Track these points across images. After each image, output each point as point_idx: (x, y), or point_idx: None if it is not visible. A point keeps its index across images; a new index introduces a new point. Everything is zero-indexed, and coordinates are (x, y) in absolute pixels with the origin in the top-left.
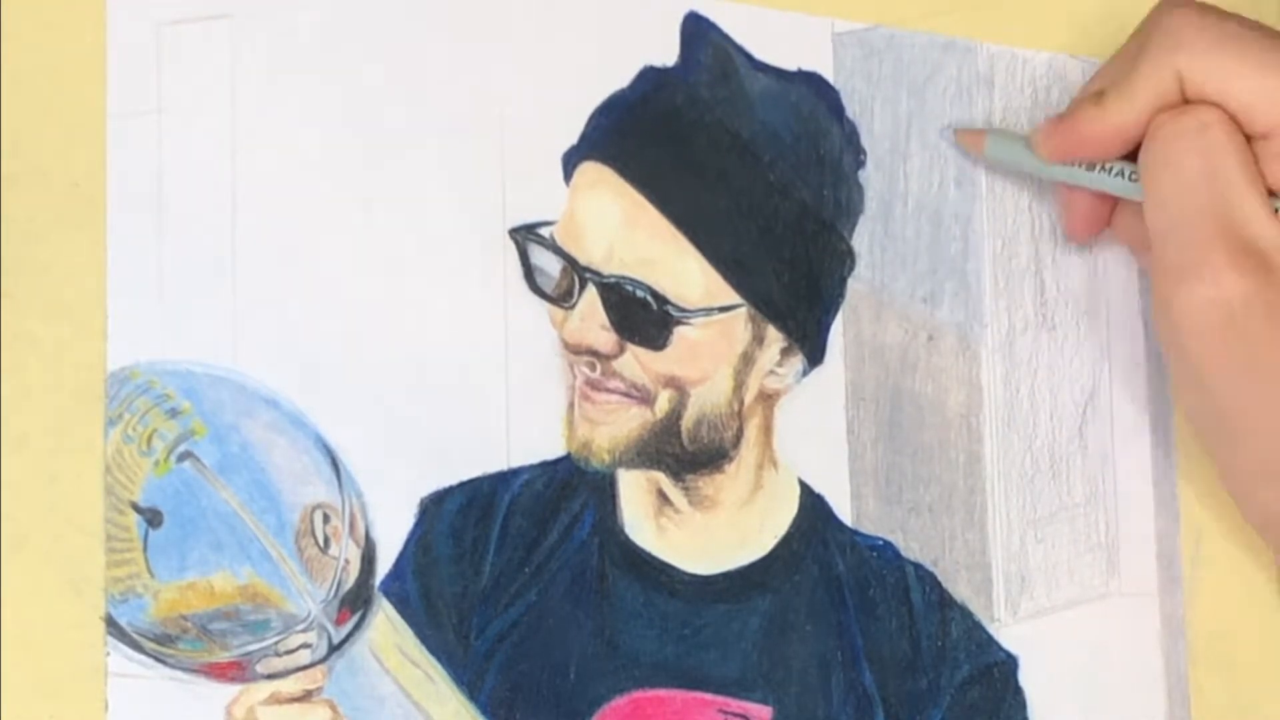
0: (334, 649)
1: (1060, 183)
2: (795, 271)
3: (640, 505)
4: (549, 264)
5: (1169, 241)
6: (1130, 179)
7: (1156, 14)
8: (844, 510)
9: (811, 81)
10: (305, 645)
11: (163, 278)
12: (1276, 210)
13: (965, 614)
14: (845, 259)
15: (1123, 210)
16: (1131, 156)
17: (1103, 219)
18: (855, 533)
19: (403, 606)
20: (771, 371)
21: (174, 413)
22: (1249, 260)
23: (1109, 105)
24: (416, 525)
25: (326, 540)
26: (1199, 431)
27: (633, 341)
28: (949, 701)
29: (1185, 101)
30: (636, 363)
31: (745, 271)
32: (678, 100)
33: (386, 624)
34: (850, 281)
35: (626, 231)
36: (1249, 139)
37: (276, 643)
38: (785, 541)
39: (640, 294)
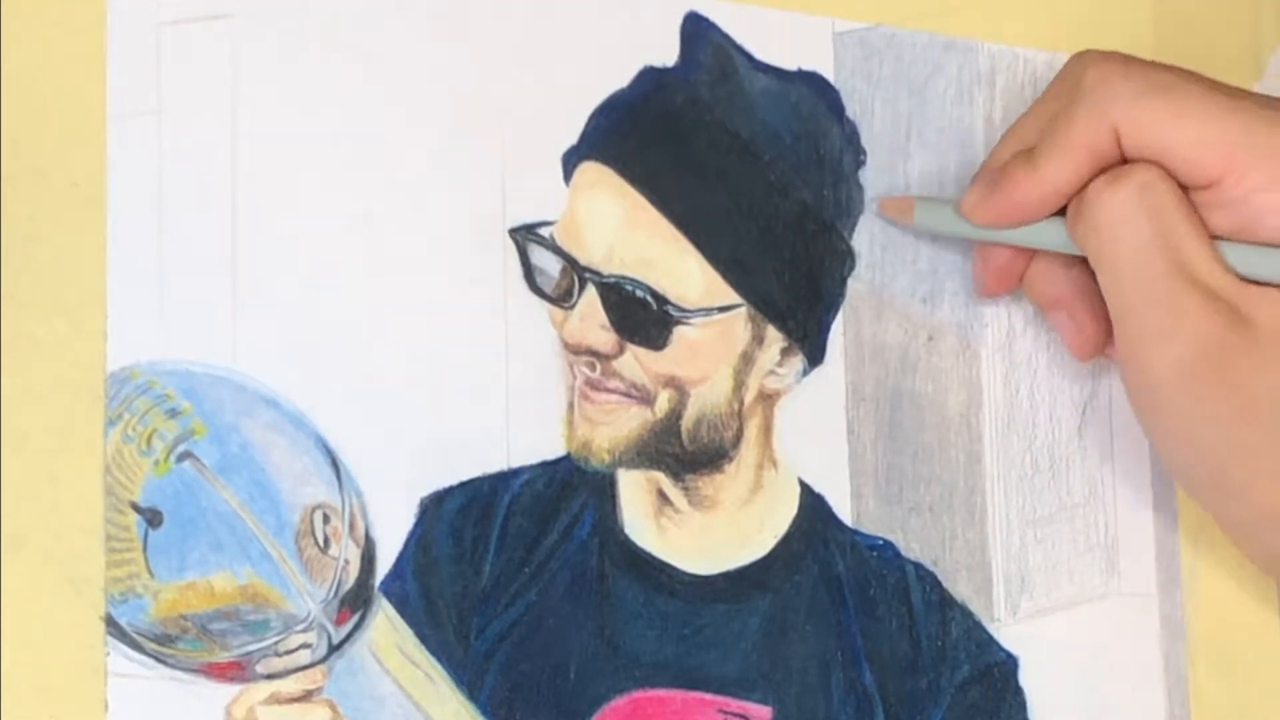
0: (334, 649)
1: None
2: (795, 271)
3: (640, 505)
4: (549, 264)
5: (1134, 309)
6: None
7: (1078, 67)
8: (844, 510)
9: (812, 81)
10: (305, 645)
11: (163, 278)
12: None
13: (965, 614)
14: (845, 259)
15: (1036, 265)
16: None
17: (1017, 275)
18: (855, 532)
19: (403, 606)
20: (771, 371)
21: (174, 413)
22: (1218, 308)
23: (1043, 167)
24: (416, 525)
25: (326, 540)
26: (1195, 491)
27: (633, 341)
28: (949, 701)
29: (1121, 155)
30: (636, 363)
31: (745, 271)
32: (678, 100)
33: (386, 624)
34: (850, 281)
35: (626, 231)
36: (1188, 190)
37: (276, 643)
38: (785, 541)
39: (640, 294)
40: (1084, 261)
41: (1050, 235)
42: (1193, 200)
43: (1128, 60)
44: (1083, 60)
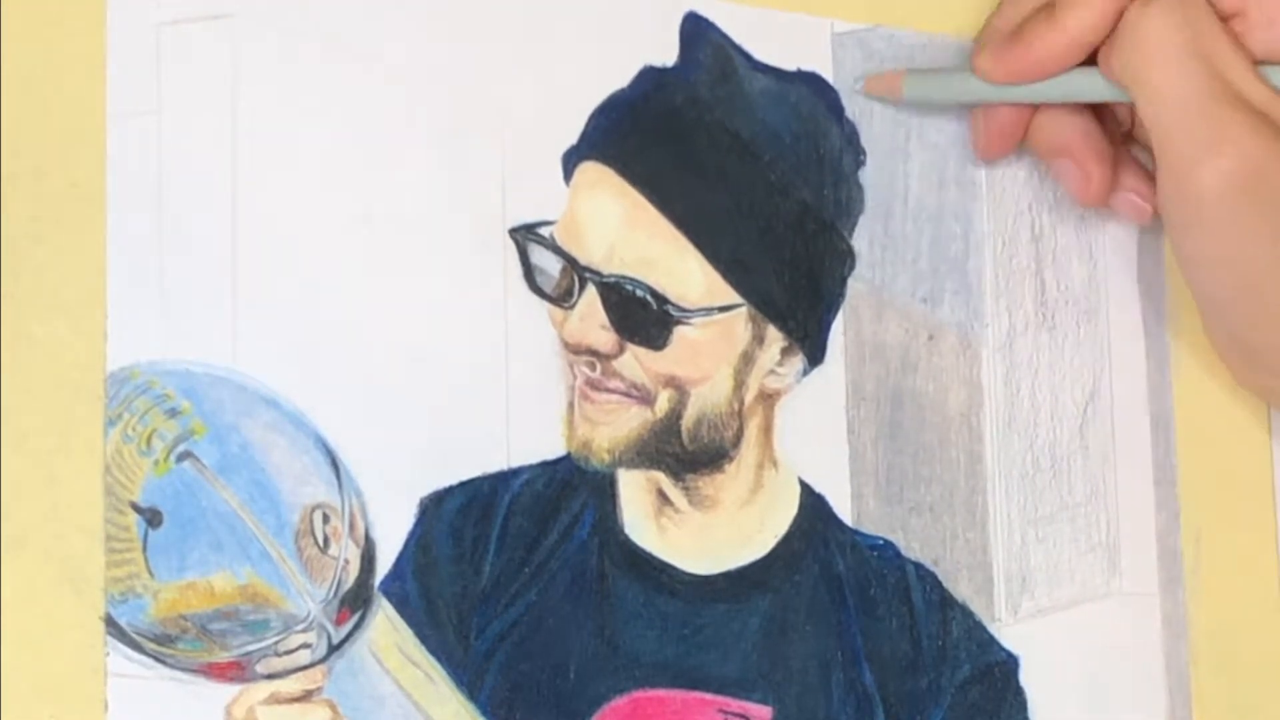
0: (334, 649)
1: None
2: (795, 271)
3: (640, 505)
4: (549, 264)
5: (1176, 126)
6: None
7: None
8: (844, 510)
9: (811, 82)
10: (305, 645)
11: (163, 278)
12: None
13: (966, 613)
14: (846, 259)
15: (1040, 117)
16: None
17: (1018, 133)
18: (856, 532)
19: (403, 606)
20: (772, 371)
21: (174, 413)
22: (1263, 126)
23: (1066, 17)
24: (416, 525)
25: (326, 540)
26: (1222, 312)
27: (633, 341)
28: (950, 701)
29: None
30: (636, 362)
31: (745, 271)
32: (677, 100)
33: (386, 624)
34: (851, 281)
35: (626, 231)
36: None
37: (276, 643)
38: (785, 541)
39: (640, 294)
40: (1088, 108)
41: (1067, 86)
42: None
43: None
44: None
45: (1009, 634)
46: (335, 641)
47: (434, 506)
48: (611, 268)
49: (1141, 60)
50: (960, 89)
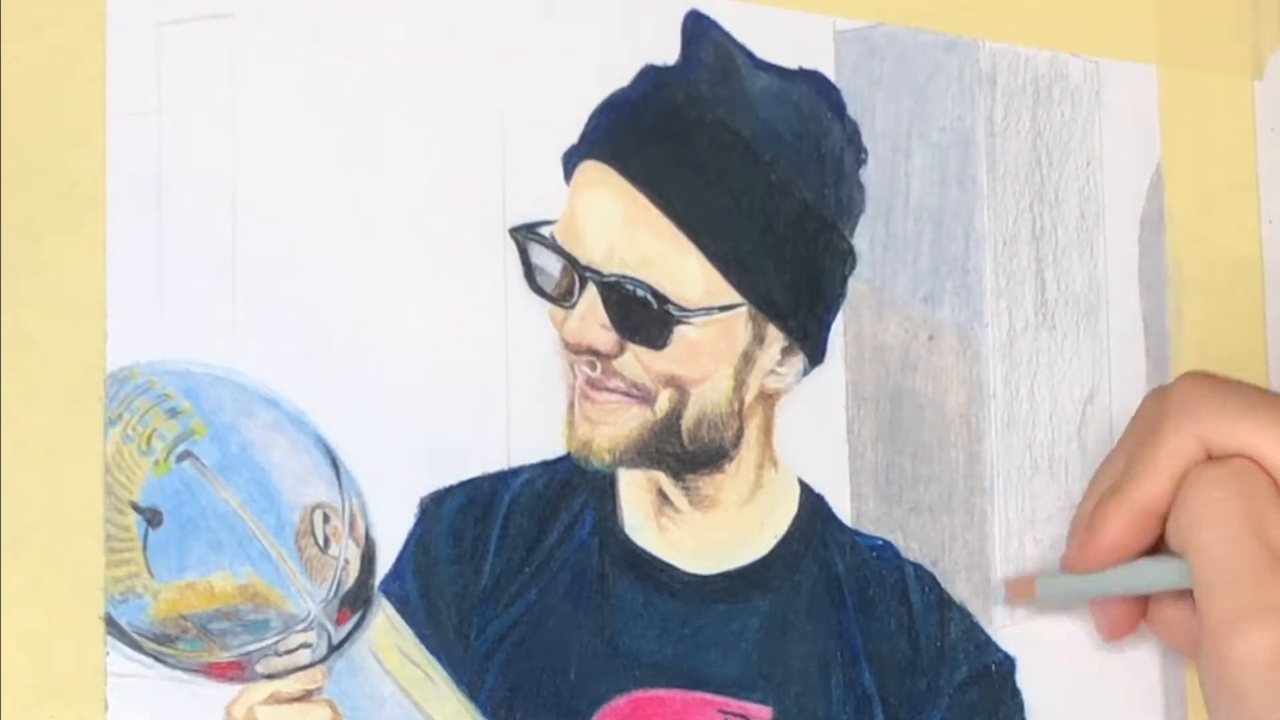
0: (334, 649)
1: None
2: (796, 271)
3: (640, 505)
4: (549, 263)
5: (1220, 590)
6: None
7: (1159, 395)
8: (844, 510)
9: (813, 80)
10: (305, 645)
11: (163, 278)
12: None
13: (964, 614)
14: (846, 258)
15: (1158, 605)
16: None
17: (1137, 615)
18: (855, 533)
19: (403, 606)
20: (772, 371)
21: (174, 412)
22: None
23: (1133, 491)
24: (416, 525)
25: (326, 540)
26: None
27: (633, 341)
28: (948, 702)
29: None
30: (637, 362)
31: (746, 271)
32: (678, 99)
33: (386, 624)
34: (851, 281)
35: (627, 231)
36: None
37: (276, 643)
38: (785, 541)
39: (641, 293)
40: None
41: (1159, 568)
42: None
43: (1215, 379)
44: (1164, 388)
45: (1006, 635)
46: (335, 641)
47: (434, 506)
48: (612, 267)
49: (1193, 522)
50: (1079, 585)
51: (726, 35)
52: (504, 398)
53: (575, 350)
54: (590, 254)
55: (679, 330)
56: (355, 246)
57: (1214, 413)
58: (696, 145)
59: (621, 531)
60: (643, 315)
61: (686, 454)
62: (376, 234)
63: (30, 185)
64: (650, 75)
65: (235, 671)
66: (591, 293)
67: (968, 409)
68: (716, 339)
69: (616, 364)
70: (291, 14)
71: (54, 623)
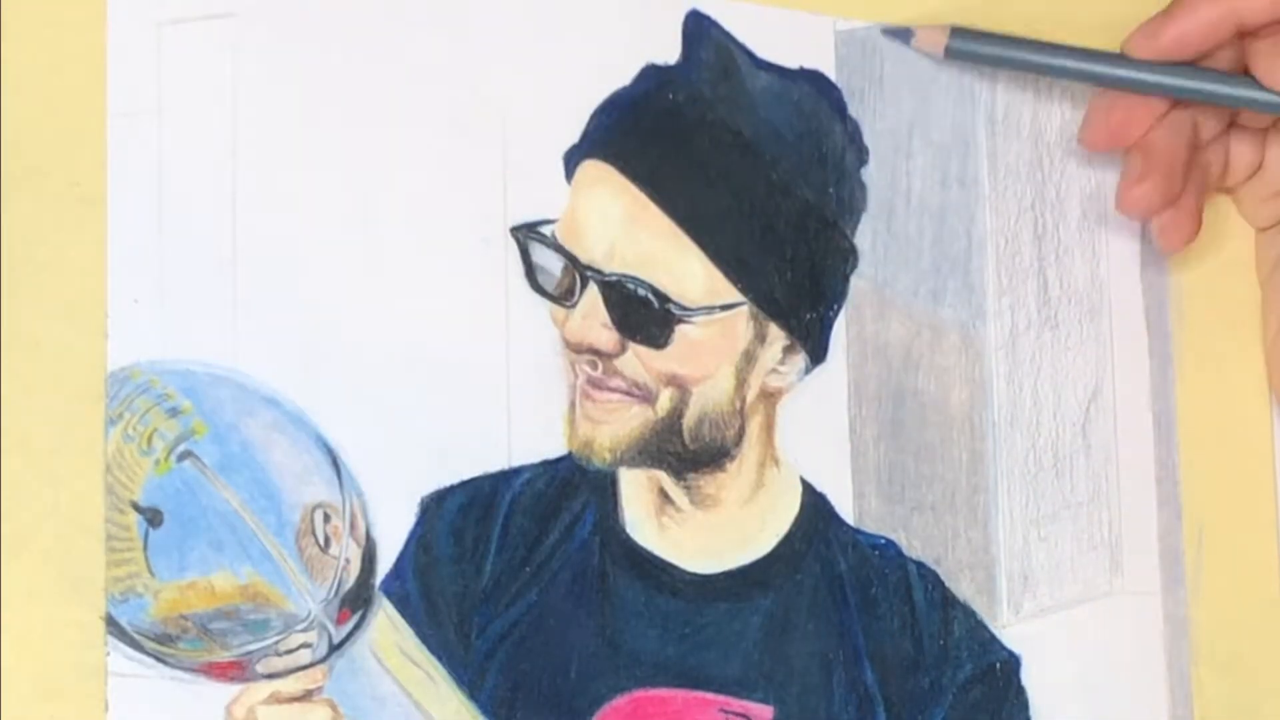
0: (334, 649)
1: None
2: (797, 270)
3: (642, 504)
4: (550, 262)
5: None
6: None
7: None
8: (846, 509)
9: (814, 79)
10: (305, 645)
11: (163, 278)
12: None
13: (968, 613)
14: (848, 257)
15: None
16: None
17: (1137, 130)
18: (857, 531)
19: (403, 606)
20: (774, 370)
21: (174, 412)
22: None
23: None
24: (417, 524)
25: (327, 539)
26: None
27: (634, 340)
28: (951, 701)
29: None
30: (638, 361)
31: (747, 270)
32: (679, 98)
33: (387, 623)
34: (853, 279)
35: (628, 230)
36: None
37: (277, 642)
38: (787, 540)
39: (642, 292)
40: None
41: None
42: None
43: None
44: None
45: (1010, 633)
46: (336, 641)
47: (435, 506)
48: (613, 266)
49: None
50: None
51: (727, 35)
52: (505, 397)
53: (576, 349)
54: (591, 253)
55: (680, 329)
56: (356, 246)
57: None
58: (697, 144)
59: (623, 531)
60: (644, 314)
61: (688, 453)
62: (377, 233)
63: (30, 185)
64: (651, 75)
65: (236, 671)
66: (593, 292)
67: (970, 407)
68: (718, 338)
69: (618, 363)
70: (291, 14)
71: (54, 622)
